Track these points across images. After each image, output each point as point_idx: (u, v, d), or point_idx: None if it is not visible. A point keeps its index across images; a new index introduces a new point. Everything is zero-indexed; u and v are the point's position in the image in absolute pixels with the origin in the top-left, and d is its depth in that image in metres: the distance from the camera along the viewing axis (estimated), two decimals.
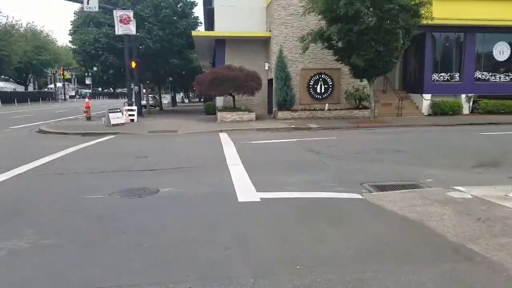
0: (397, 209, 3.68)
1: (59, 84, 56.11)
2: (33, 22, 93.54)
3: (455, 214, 3.46)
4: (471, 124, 13.00)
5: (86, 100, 18.27)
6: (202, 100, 36.61)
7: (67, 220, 3.60)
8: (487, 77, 16.90)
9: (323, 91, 16.00)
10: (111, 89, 75.45)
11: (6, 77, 48.68)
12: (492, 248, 2.74)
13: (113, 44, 18.49)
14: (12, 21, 40.78)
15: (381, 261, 2.57)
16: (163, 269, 2.50)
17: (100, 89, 76.98)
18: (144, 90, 24.38)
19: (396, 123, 13.08)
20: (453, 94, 16.67)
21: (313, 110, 15.38)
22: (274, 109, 16.03)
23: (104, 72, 22.43)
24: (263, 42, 16.94)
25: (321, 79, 15.93)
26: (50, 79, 58.84)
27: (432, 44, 16.35)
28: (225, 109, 15.51)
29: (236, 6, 16.41)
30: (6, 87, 47.13)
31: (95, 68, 24.54)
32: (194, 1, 21.51)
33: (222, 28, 16.64)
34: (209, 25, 22.27)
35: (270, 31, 16.29)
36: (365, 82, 14.55)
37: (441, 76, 16.74)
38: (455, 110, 16.02)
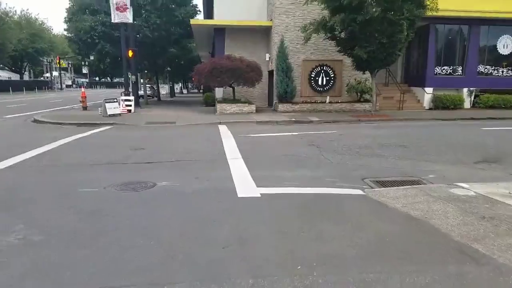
0: (400, 206, 3.59)
1: (55, 73, 55.33)
2: (27, 9, 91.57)
3: (459, 212, 3.38)
4: (472, 118, 12.88)
5: (82, 89, 17.96)
6: (201, 91, 36.24)
7: (59, 215, 3.48)
8: (490, 71, 16.69)
9: (324, 83, 15.77)
10: (108, 78, 74.63)
11: (1, 66, 47.91)
12: (498, 248, 2.65)
13: (109, 32, 18.06)
14: (5, 8, 39.90)
15: (384, 261, 2.49)
16: (158, 269, 2.40)
17: (97, 78, 76.10)
18: (141, 80, 24.00)
19: (397, 117, 12.95)
20: (455, 88, 16.50)
21: (314, 102, 15.19)
22: (274, 101, 15.81)
23: (101, 61, 22.05)
24: (264, 32, 16.56)
25: (322, 71, 15.68)
26: (46, 68, 57.97)
27: (436, 36, 16.07)
28: (224, 100, 15.29)
29: None
30: (1, 76, 46.43)
31: (91, 57, 24.12)
32: None
33: (221, 17, 16.25)
34: (208, 14, 21.79)
35: (271, 20, 15.91)
36: (367, 74, 14.33)
37: (443, 69, 16.52)
38: (457, 104, 15.88)
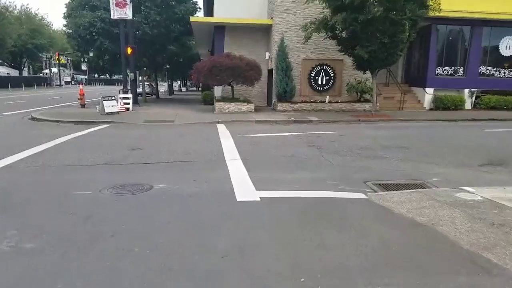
0: (405, 211, 3.48)
1: (54, 70, 54.97)
2: (27, 4, 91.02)
3: (467, 218, 3.26)
4: (473, 119, 12.80)
5: (80, 87, 17.77)
6: (199, 89, 36.05)
7: (53, 219, 3.35)
8: (492, 72, 16.60)
9: (324, 82, 15.64)
10: (107, 75, 74.25)
11: (0, 61, 47.56)
12: (510, 258, 2.54)
13: (108, 29, 17.86)
14: (5, 3, 39.53)
15: (391, 272, 2.37)
16: (154, 281, 2.28)
17: (96, 75, 75.71)
18: (140, 78, 23.80)
19: (398, 117, 12.85)
20: (456, 89, 16.40)
21: (314, 102, 15.06)
22: (273, 100, 15.68)
23: (99, 58, 21.85)
24: (264, 30, 16.41)
25: (322, 70, 15.55)
26: (45, 64, 57.60)
27: (437, 37, 15.95)
28: (223, 99, 15.14)
29: None
30: (0, 72, 46.08)
31: (90, 54, 23.90)
32: None
33: (221, 15, 16.08)
34: (208, 11, 21.60)
35: (271, 18, 15.75)
36: (367, 74, 14.22)
37: (444, 70, 16.42)
38: (458, 105, 15.80)
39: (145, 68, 25.50)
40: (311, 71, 15.48)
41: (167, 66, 28.96)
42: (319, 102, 15.08)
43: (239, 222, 3.28)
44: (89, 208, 3.64)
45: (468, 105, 16.32)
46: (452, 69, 16.48)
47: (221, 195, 4.05)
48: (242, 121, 11.81)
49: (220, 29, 16.21)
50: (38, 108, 15.59)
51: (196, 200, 3.89)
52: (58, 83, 54.31)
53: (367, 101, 15.14)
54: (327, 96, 15.22)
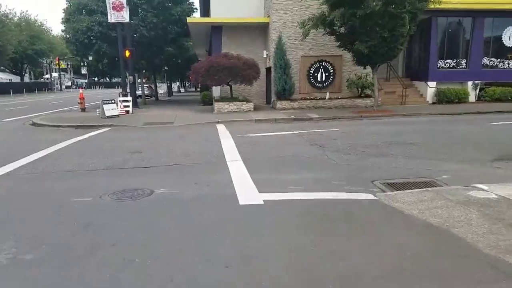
0: (417, 212, 3.30)
1: (55, 74, 55.04)
2: (26, 11, 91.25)
3: (483, 218, 3.09)
4: (478, 112, 12.55)
5: (80, 91, 17.67)
6: (198, 89, 35.92)
7: (52, 229, 3.22)
8: (495, 63, 16.31)
9: (324, 79, 15.43)
10: (107, 78, 74.26)
11: (2, 68, 47.68)
12: None
13: (106, 32, 17.75)
14: (5, 10, 39.55)
15: (409, 280, 2.20)
16: None
17: (96, 79, 75.74)
18: (139, 80, 23.69)
19: (400, 112, 12.63)
20: (459, 82, 16.14)
21: (314, 99, 14.87)
22: (272, 98, 15.51)
23: (98, 62, 21.76)
24: (262, 29, 16.22)
25: (321, 67, 15.34)
26: (46, 69, 57.68)
27: (438, 29, 15.69)
28: (222, 99, 14.99)
29: None
30: (1, 78, 46.24)
31: (90, 58, 23.82)
32: None
33: (218, 15, 15.91)
34: (205, 12, 21.41)
35: (268, 16, 15.56)
36: (367, 69, 14.00)
37: (447, 62, 16.16)
38: (461, 98, 15.53)
39: (144, 71, 25.38)
40: (310, 68, 15.28)
41: (166, 67, 28.84)
42: (319, 99, 14.88)
43: (242, 227, 3.12)
44: (89, 215, 3.51)
45: (472, 97, 16.05)
46: (454, 61, 16.21)
47: (223, 198, 3.89)
48: (242, 120, 11.65)
49: (217, 29, 16.04)
50: (39, 114, 15.51)
51: (197, 205, 3.74)
52: (59, 87, 54.36)
53: (368, 96, 14.92)
54: (327, 93, 15.02)
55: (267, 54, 15.97)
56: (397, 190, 4.04)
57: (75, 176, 5.10)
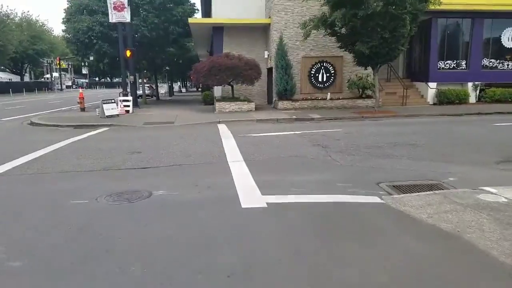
0: (426, 216, 3.20)
1: (55, 74, 54.90)
2: (28, 11, 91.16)
3: (494, 223, 2.99)
4: (479, 113, 12.49)
5: (80, 90, 17.57)
6: (199, 89, 35.82)
7: (44, 234, 3.10)
8: (495, 64, 16.29)
9: (325, 79, 15.36)
10: (108, 78, 74.11)
11: (2, 67, 47.52)
12: None
13: (107, 32, 17.66)
14: (6, 10, 39.45)
15: None
16: None
17: (97, 78, 75.59)
18: (140, 80, 23.58)
19: (402, 113, 12.56)
20: (459, 82, 16.09)
21: (315, 99, 14.80)
22: (274, 99, 15.43)
23: (99, 62, 21.65)
24: (263, 29, 16.16)
25: (322, 68, 15.27)
26: (46, 69, 57.53)
27: (438, 30, 15.66)
28: (223, 99, 14.90)
29: None
30: (1, 78, 46.06)
31: (91, 58, 23.71)
32: None
33: (219, 15, 15.85)
34: (206, 12, 21.35)
35: (269, 17, 15.49)
36: (368, 70, 13.95)
37: (447, 63, 16.11)
38: (462, 99, 15.49)
39: (145, 71, 25.30)
40: (311, 68, 15.21)
41: (167, 68, 28.76)
42: (320, 99, 14.81)
43: (245, 232, 3.01)
44: (84, 219, 3.39)
45: (472, 98, 16.01)
46: (454, 62, 16.17)
47: (225, 201, 3.78)
48: (243, 120, 11.57)
49: (219, 29, 15.97)
50: (38, 113, 15.39)
51: (197, 208, 3.63)
52: (59, 87, 54.20)
53: (369, 97, 14.86)
54: (328, 93, 14.95)
55: (268, 55, 15.90)
56: (403, 193, 3.94)
57: (71, 177, 4.99)
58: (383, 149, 6.45)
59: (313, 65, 15.19)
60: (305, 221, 3.21)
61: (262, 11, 16.56)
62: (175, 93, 37.53)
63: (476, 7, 14.75)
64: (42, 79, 57.03)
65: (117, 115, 13.26)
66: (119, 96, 15.26)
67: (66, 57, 51.78)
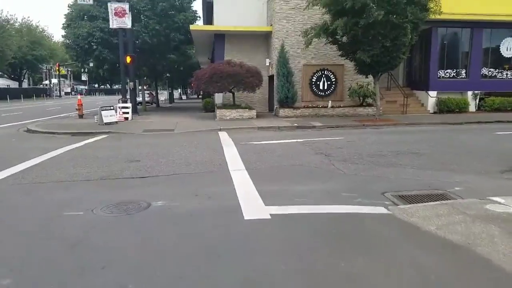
0: (435, 228, 3.10)
1: (54, 80, 54.97)
2: (28, 17, 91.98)
3: (506, 235, 2.88)
4: (479, 122, 12.52)
5: (78, 97, 17.52)
6: (200, 96, 35.87)
7: (37, 248, 2.96)
8: (494, 73, 16.41)
9: (326, 87, 15.39)
10: (107, 85, 74.32)
11: (0, 73, 47.54)
12: None
13: (107, 38, 17.72)
14: (6, 16, 39.68)
15: None
16: None
17: (96, 85, 75.79)
18: (140, 87, 23.59)
19: (403, 122, 12.54)
20: (459, 91, 16.15)
21: (316, 107, 14.79)
22: (275, 106, 15.41)
23: (99, 68, 21.67)
24: (264, 37, 16.26)
25: (324, 76, 15.31)
26: (45, 75, 57.65)
27: (439, 39, 15.81)
28: (224, 106, 14.87)
29: None
30: None
31: (91, 64, 23.77)
32: None
33: (221, 22, 15.95)
34: (208, 19, 21.52)
35: (271, 25, 15.61)
36: (369, 78, 14.01)
37: (447, 72, 16.21)
38: (462, 108, 15.53)
39: (145, 78, 25.32)
40: (312, 76, 15.25)
41: (167, 74, 28.83)
42: (322, 107, 14.81)
43: (248, 246, 2.89)
44: (79, 232, 3.25)
45: (472, 107, 16.06)
46: (454, 71, 16.28)
47: (226, 212, 3.66)
48: (244, 128, 11.50)
49: (220, 36, 16.06)
50: (35, 120, 15.28)
51: (198, 220, 3.50)
52: (58, 94, 54.22)
53: (369, 105, 14.87)
54: (330, 101, 14.95)
55: (269, 62, 15.96)
56: (410, 203, 3.83)
57: (67, 187, 4.85)
58: (386, 157, 6.36)
59: (314, 73, 15.24)
60: (310, 234, 3.09)
61: (264, 18, 16.69)
62: (175, 100, 37.58)
63: (476, 17, 14.92)
64: (41, 85, 57.04)
65: (116, 122, 13.17)
66: (118, 102, 15.20)
67: (66, 63, 51.97)
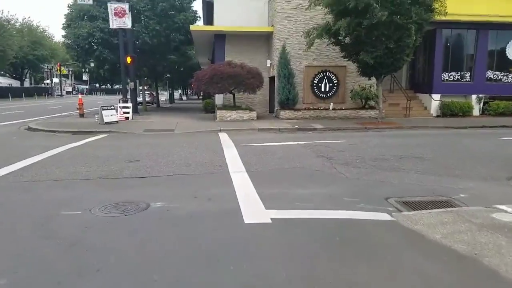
0: (440, 237, 3.00)
1: (55, 80, 55.10)
2: (29, 17, 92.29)
3: None
4: (483, 126, 12.37)
5: (79, 96, 17.50)
6: (200, 97, 35.84)
7: (33, 248, 2.90)
8: (499, 77, 16.22)
9: (327, 89, 15.30)
10: (108, 85, 74.45)
11: (2, 73, 47.71)
12: None
13: (108, 38, 17.70)
14: (7, 16, 39.83)
15: None
16: None
17: (97, 85, 75.92)
18: (140, 87, 23.56)
19: (405, 125, 12.42)
20: (463, 95, 16.00)
21: (317, 109, 14.69)
22: (276, 108, 15.33)
23: (99, 68, 21.66)
24: (265, 38, 16.18)
25: (325, 77, 15.22)
26: (47, 75, 57.81)
27: (443, 41, 15.64)
28: (224, 107, 14.80)
29: None
30: (1, 82, 46.18)
31: (91, 64, 23.78)
32: None
33: (222, 23, 15.89)
34: (208, 20, 21.47)
35: (272, 26, 15.53)
36: (372, 80, 13.88)
37: (451, 75, 16.06)
38: (465, 111, 15.38)
39: (145, 78, 25.31)
40: (313, 78, 15.16)
41: (168, 75, 28.82)
42: (323, 109, 14.71)
43: (248, 251, 2.80)
44: (76, 232, 3.18)
45: (476, 111, 15.89)
46: (458, 74, 16.11)
47: (226, 215, 3.59)
48: (245, 129, 11.42)
49: (221, 37, 15.99)
50: (36, 118, 15.26)
51: (197, 223, 3.43)
52: (59, 93, 54.34)
53: (372, 108, 14.76)
54: (331, 103, 14.85)
55: (270, 63, 15.88)
56: (414, 210, 3.74)
57: (66, 186, 4.79)
58: (389, 161, 6.27)
59: (316, 75, 15.15)
60: (312, 240, 3.01)
61: (265, 19, 16.62)
62: (175, 101, 37.58)
63: (481, 19, 14.71)
64: (42, 85, 57.22)
65: (117, 121, 13.12)
66: (119, 102, 15.16)
67: (67, 63, 52.09)
